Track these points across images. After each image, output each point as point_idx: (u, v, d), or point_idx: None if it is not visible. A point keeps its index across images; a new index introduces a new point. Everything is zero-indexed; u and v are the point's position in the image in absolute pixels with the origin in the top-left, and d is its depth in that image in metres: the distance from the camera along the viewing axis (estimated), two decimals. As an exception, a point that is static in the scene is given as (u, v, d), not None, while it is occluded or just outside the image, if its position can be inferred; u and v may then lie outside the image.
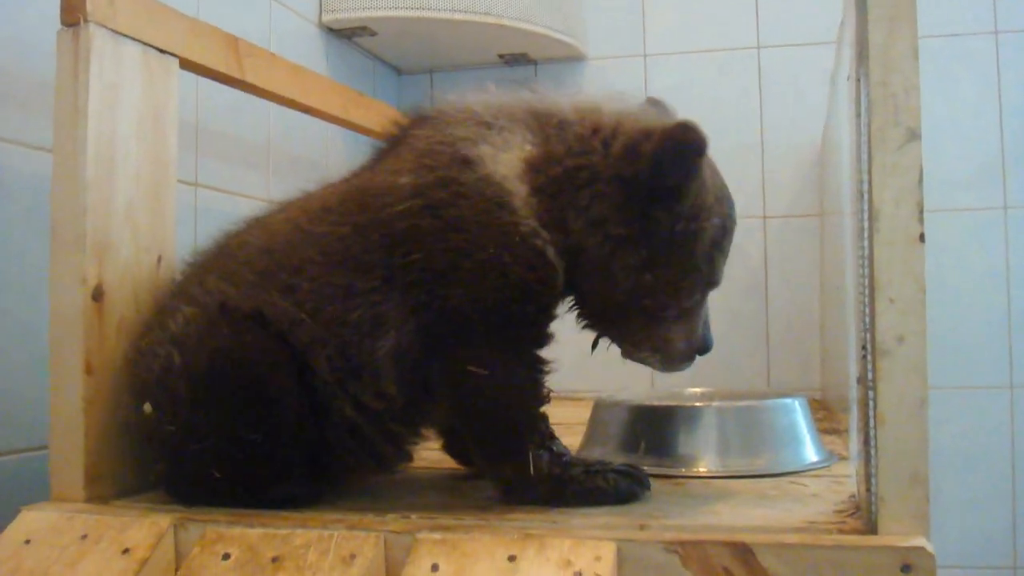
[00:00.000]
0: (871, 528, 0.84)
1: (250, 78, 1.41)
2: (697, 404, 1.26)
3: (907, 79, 0.84)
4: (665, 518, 0.95)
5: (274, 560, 0.88)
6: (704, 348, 1.10)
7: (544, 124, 1.04)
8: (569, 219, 1.01)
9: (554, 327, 1.05)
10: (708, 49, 2.42)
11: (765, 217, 2.37)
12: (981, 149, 2.24)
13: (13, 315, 1.28)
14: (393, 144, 1.11)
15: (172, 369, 1.02)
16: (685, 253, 1.02)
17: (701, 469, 1.20)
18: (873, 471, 0.84)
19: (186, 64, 1.26)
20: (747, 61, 2.40)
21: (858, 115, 0.90)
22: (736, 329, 2.32)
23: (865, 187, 0.86)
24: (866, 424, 0.87)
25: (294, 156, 2.03)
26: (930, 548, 0.79)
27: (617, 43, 2.48)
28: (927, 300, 0.84)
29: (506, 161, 1.01)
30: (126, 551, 0.92)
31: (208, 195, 1.73)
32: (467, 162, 1.01)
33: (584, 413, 1.38)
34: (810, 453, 1.26)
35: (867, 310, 0.86)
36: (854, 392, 0.94)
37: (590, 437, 1.33)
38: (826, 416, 1.81)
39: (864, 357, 0.87)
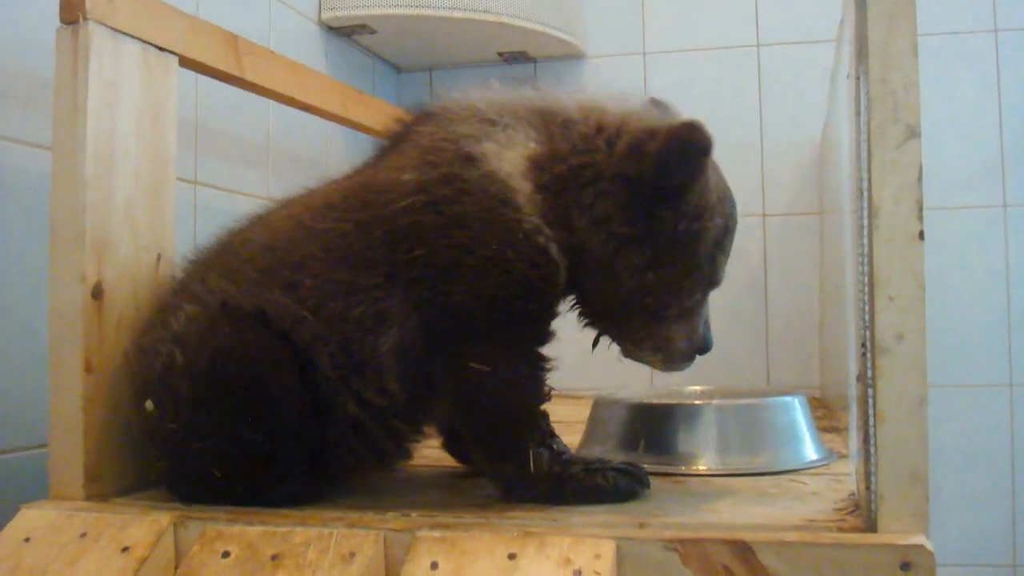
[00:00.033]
0: (871, 526, 0.84)
1: (249, 76, 1.40)
2: (697, 402, 1.26)
3: (906, 76, 0.84)
4: (665, 516, 0.95)
5: (274, 558, 0.88)
6: (704, 348, 1.10)
7: (548, 122, 1.04)
8: (573, 217, 1.01)
9: (554, 325, 1.05)
10: (708, 47, 2.42)
11: (765, 215, 2.37)
12: (981, 147, 2.24)
13: (13, 313, 1.28)
14: (396, 141, 1.11)
15: (174, 367, 1.02)
16: (688, 252, 1.02)
17: (701, 467, 1.20)
18: (873, 469, 0.84)
19: (185, 62, 1.26)
20: (746, 59, 2.40)
21: (858, 113, 0.90)
22: (736, 327, 2.32)
23: (865, 185, 0.86)
24: (866, 422, 0.87)
25: (293, 154, 2.03)
26: (929, 546, 0.79)
27: (616, 41, 2.48)
28: (927, 298, 0.83)
29: (510, 158, 1.01)
30: (125, 549, 0.92)
31: (207, 193, 1.72)
32: (471, 159, 1.01)
33: (584, 411, 1.37)
34: (810, 451, 1.26)
35: (867, 308, 0.86)
36: (854, 390, 0.94)
37: (589, 435, 1.33)
38: (826, 414, 1.81)
39: (864, 355, 0.87)
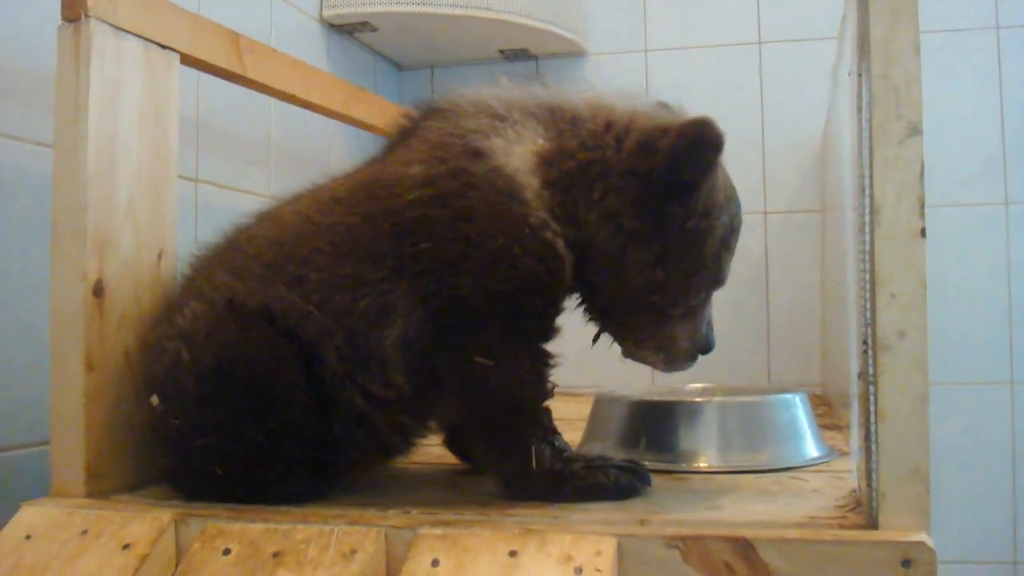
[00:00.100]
0: (872, 523, 0.84)
1: (251, 74, 1.40)
2: (698, 399, 1.26)
3: (908, 73, 0.84)
4: (666, 513, 0.95)
5: (275, 555, 0.88)
6: (707, 348, 1.10)
7: (557, 119, 1.05)
8: (580, 212, 1.01)
9: (558, 322, 1.05)
10: (709, 45, 2.42)
11: (766, 213, 2.37)
12: (982, 145, 2.24)
13: (14, 311, 1.28)
14: (404, 136, 1.11)
15: (180, 364, 1.02)
16: (696, 250, 1.02)
17: (702, 464, 1.20)
18: (874, 466, 0.84)
19: (187, 60, 1.26)
20: (748, 56, 2.40)
21: (859, 109, 0.90)
22: (737, 325, 2.32)
23: (866, 181, 0.86)
24: (867, 419, 0.86)
25: (295, 152, 2.03)
26: (931, 543, 0.79)
27: (618, 39, 2.48)
28: (928, 295, 0.83)
29: (518, 154, 1.02)
30: (126, 546, 0.92)
31: (209, 191, 1.72)
32: (478, 154, 1.01)
33: (584, 409, 1.37)
34: (811, 448, 1.26)
35: (868, 305, 0.86)
36: (855, 387, 0.94)
37: (590, 433, 1.33)
38: (827, 412, 1.81)
39: (865, 352, 0.87)
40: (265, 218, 1.13)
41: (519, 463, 1.01)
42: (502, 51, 2.46)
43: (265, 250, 1.06)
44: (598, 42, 2.48)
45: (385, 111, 1.88)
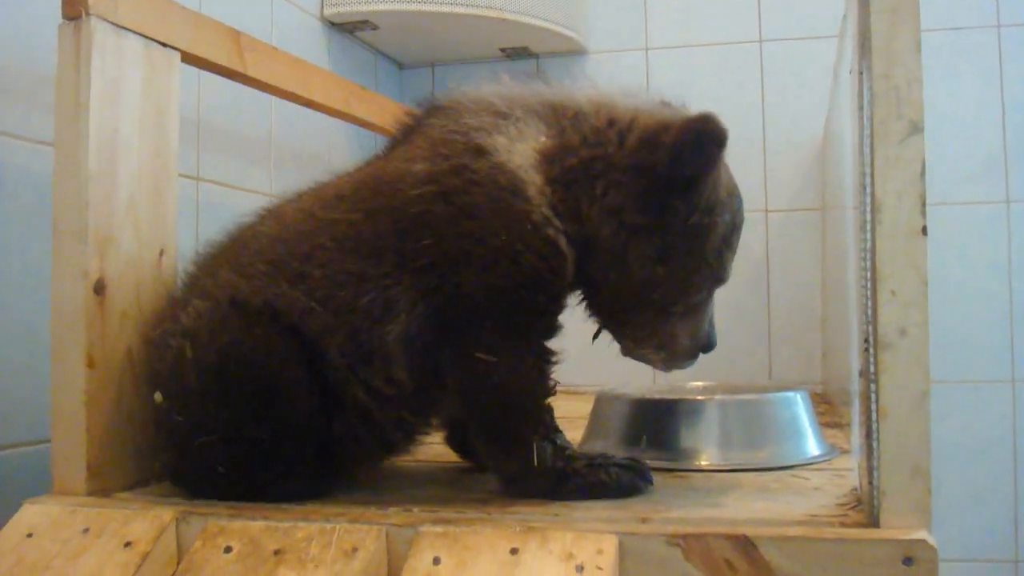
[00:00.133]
0: (873, 521, 0.84)
1: (252, 72, 1.40)
2: (699, 398, 1.26)
3: (910, 72, 0.84)
4: (667, 511, 0.95)
5: (276, 553, 0.88)
6: (708, 346, 1.10)
7: (559, 116, 1.05)
8: (583, 208, 1.01)
9: (560, 320, 1.05)
10: (710, 43, 2.42)
11: (767, 211, 2.37)
12: (983, 143, 2.24)
13: (15, 309, 1.28)
14: (407, 133, 1.12)
15: (184, 361, 1.02)
16: (698, 247, 1.02)
17: (703, 463, 1.20)
18: (875, 464, 0.84)
19: (188, 58, 1.26)
20: (749, 55, 2.40)
21: (860, 108, 0.90)
22: (738, 323, 2.32)
23: (867, 180, 0.86)
24: (868, 417, 0.86)
25: (296, 150, 2.03)
26: (932, 541, 0.79)
27: (618, 37, 2.48)
28: (929, 293, 0.83)
29: (521, 151, 1.02)
30: (128, 544, 0.92)
31: (210, 189, 1.72)
32: (481, 151, 1.01)
33: (586, 407, 1.38)
34: (812, 447, 1.26)
35: (869, 303, 0.86)
36: (856, 385, 0.94)
37: (592, 431, 1.33)
38: (828, 410, 1.81)
39: (866, 350, 0.87)
40: (268, 216, 1.13)
41: (520, 461, 1.01)
42: (503, 49, 2.46)
43: (268, 247, 1.06)
44: (599, 40, 2.48)
45: (386, 110, 1.88)
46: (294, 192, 1.15)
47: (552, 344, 1.04)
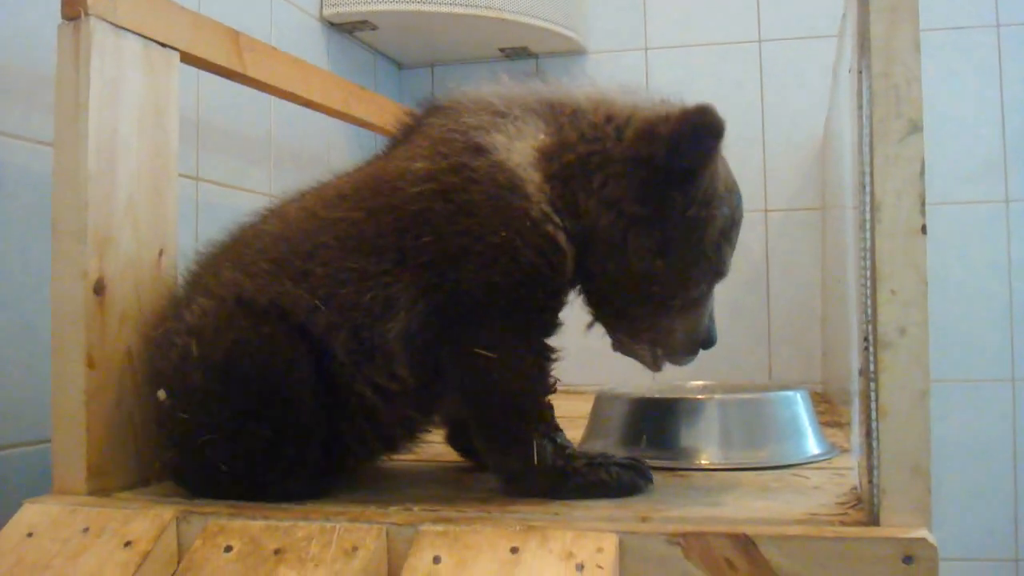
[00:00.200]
0: (873, 520, 0.84)
1: (251, 72, 1.40)
2: (699, 397, 1.26)
3: (909, 70, 0.84)
4: (667, 510, 0.95)
5: (276, 552, 0.88)
6: (708, 342, 1.10)
7: (557, 113, 1.06)
8: (580, 201, 1.02)
9: (560, 317, 1.06)
10: (709, 43, 2.42)
11: (767, 210, 2.37)
12: (983, 142, 2.24)
13: (15, 309, 1.28)
14: (407, 133, 1.13)
15: (189, 359, 1.02)
16: (696, 239, 1.02)
17: (703, 462, 1.20)
18: (875, 463, 0.84)
19: (187, 58, 1.26)
20: (748, 55, 2.40)
21: (860, 107, 0.90)
22: (738, 322, 2.32)
23: (867, 179, 0.86)
24: (868, 416, 0.86)
25: (295, 150, 2.03)
26: (932, 539, 0.79)
27: (618, 37, 2.48)
28: (929, 293, 0.83)
29: (519, 149, 1.02)
30: (128, 544, 0.92)
31: (209, 189, 1.72)
32: (480, 149, 1.02)
33: (586, 406, 1.38)
34: (812, 446, 1.26)
35: (869, 302, 0.86)
36: (856, 384, 0.94)
37: (592, 430, 1.33)
38: (828, 409, 1.81)
39: (866, 349, 0.87)
40: (270, 215, 1.13)
41: (521, 459, 1.01)
42: (502, 49, 2.46)
43: (271, 246, 1.06)
44: (598, 40, 2.49)
45: (385, 110, 1.88)
46: (295, 192, 1.16)
47: (552, 342, 1.05)
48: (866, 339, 0.87)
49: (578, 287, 1.08)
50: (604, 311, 1.09)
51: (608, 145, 1.02)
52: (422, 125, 1.11)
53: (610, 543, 0.83)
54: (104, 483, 1.08)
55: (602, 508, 0.97)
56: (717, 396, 1.26)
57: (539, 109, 1.06)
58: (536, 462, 1.01)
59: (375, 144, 1.21)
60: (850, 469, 1.14)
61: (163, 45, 1.20)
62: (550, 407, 1.04)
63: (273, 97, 1.63)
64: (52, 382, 1.08)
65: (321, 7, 2.17)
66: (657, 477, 1.08)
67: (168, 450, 1.06)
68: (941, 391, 2.02)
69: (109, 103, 1.11)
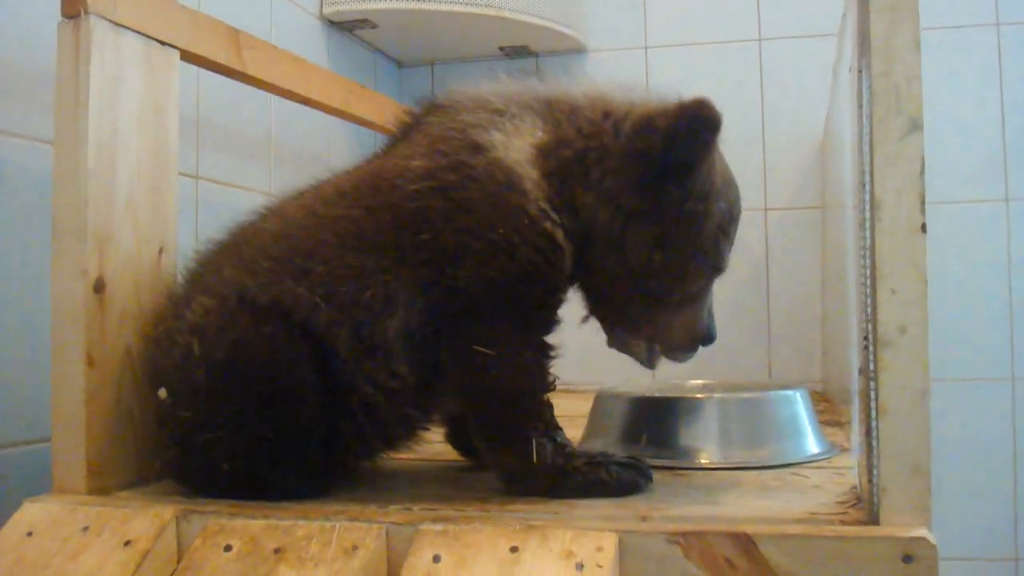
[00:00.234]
0: (873, 519, 0.84)
1: (251, 71, 1.40)
2: (699, 396, 1.26)
3: (909, 69, 0.84)
4: (667, 509, 0.95)
5: (276, 551, 0.88)
6: (708, 339, 1.10)
7: (555, 111, 1.06)
8: (578, 196, 1.02)
9: (559, 315, 1.06)
10: (709, 41, 2.42)
11: (766, 209, 2.37)
12: (983, 141, 2.24)
13: (14, 307, 1.28)
14: (406, 131, 1.13)
15: (191, 357, 1.02)
16: (693, 234, 1.02)
17: (703, 461, 1.20)
18: (875, 462, 0.84)
19: (187, 56, 1.26)
20: (748, 53, 2.39)
21: (860, 106, 0.90)
22: (737, 321, 2.32)
23: (867, 178, 0.86)
24: (868, 415, 0.86)
25: (295, 149, 2.03)
26: (932, 539, 0.79)
27: (618, 35, 2.48)
28: (929, 292, 0.83)
29: (517, 147, 1.03)
30: (128, 543, 0.92)
31: (209, 188, 1.72)
32: (478, 147, 1.02)
33: (585, 405, 1.38)
34: (812, 445, 1.26)
35: (869, 301, 0.86)
36: (856, 383, 0.94)
37: (591, 429, 1.33)
38: (827, 408, 1.81)
39: (866, 348, 0.87)
40: (269, 213, 1.13)
41: (520, 457, 1.01)
42: (502, 48, 2.46)
43: (271, 244, 1.06)
44: (598, 39, 2.48)
45: (385, 108, 1.88)
46: (295, 190, 1.16)
47: (551, 339, 1.05)
48: (866, 338, 0.87)
49: (577, 284, 1.08)
50: (603, 307, 1.10)
51: (606, 140, 1.02)
52: (421, 123, 1.11)
53: (610, 542, 0.83)
54: (104, 482, 1.08)
55: (602, 507, 0.97)
56: (717, 395, 1.26)
57: (537, 107, 1.06)
58: (536, 460, 1.01)
59: (375, 142, 1.21)
60: (850, 468, 1.14)
61: (163, 43, 1.20)
62: (549, 405, 1.04)
63: (273, 95, 1.63)
64: (52, 381, 1.08)
65: (321, 5, 2.17)
66: (657, 476, 1.08)
67: (169, 449, 1.06)
68: (941, 390, 2.02)
69: (109, 101, 1.10)
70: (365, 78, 2.35)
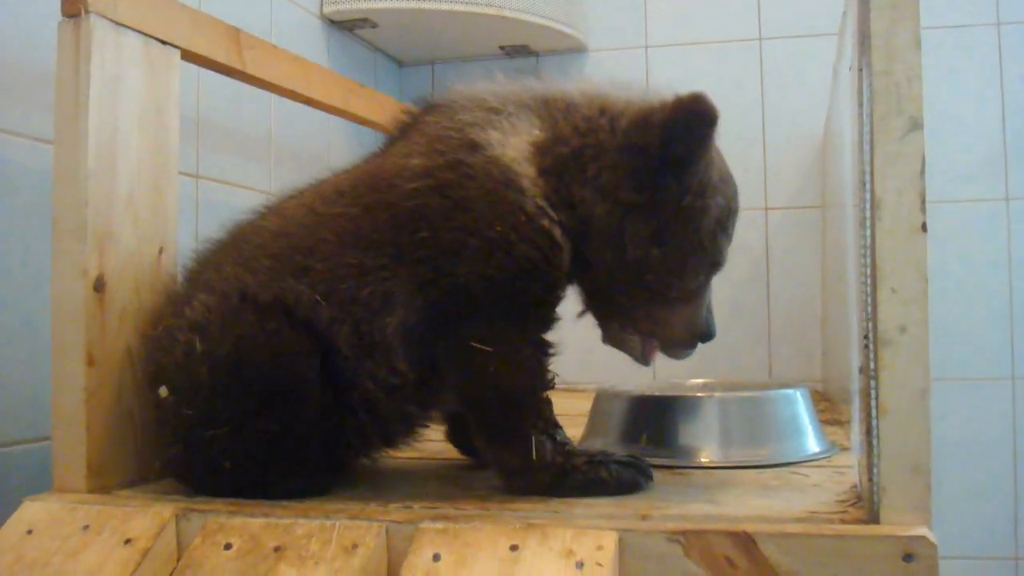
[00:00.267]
0: (873, 518, 0.84)
1: (251, 70, 1.40)
2: (699, 395, 1.26)
3: (909, 68, 0.84)
4: (667, 508, 0.95)
5: (276, 550, 0.88)
6: (707, 335, 1.10)
7: (551, 109, 1.06)
8: (575, 193, 1.02)
9: (557, 312, 1.06)
10: (709, 41, 2.42)
11: (767, 208, 2.37)
12: (983, 141, 2.24)
13: (15, 306, 1.28)
14: (404, 131, 1.14)
15: (193, 355, 1.02)
16: (691, 229, 1.03)
17: (703, 460, 1.20)
18: (875, 461, 0.84)
19: (187, 55, 1.26)
20: (749, 53, 2.39)
21: (860, 105, 0.90)
22: (738, 320, 2.32)
23: (867, 177, 0.86)
24: (868, 414, 0.86)
25: (295, 148, 2.03)
26: (932, 538, 0.79)
27: (618, 34, 2.48)
28: (929, 291, 0.83)
29: (514, 145, 1.03)
30: (128, 541, 0.92)
31: (209, 187, 1.72)
32: (475, 146, 1.03)
33: (586, 405, 1.38)
34: (812, 444, 1.26)
35: (869, 300, 0.86)
36: (856, 382, 0.94)
37: (592, 428, 1.33)
38: (828, 407, 1.81)
39: (866, 347, 0.87)
40: (268, 212, 1.14)
41: (519, 455, 1.01)
42: (503, 47, 2.46)
43: (271, 242, 1.07)
44: (599, 38, 2.48)
45: (385, 107, 1.88)
46: (294, 189, 1.16)
47: (550, 337, 1.05)
48: (866, 337, 0.87)
49: (576, 280, 1.09)
50: (601, 303, 1.10)
51: (602, 137, 1.03)
52: (419, 123, 1.12)
53: (610, 541, 0.83)
54: (104, 481, 1.08)
55: (602, 506, 0.97)
56: (717, 394, 1.26)
57: (533, 105, 1.07)
58: (535, 458, 1.01)
59: (375, 142, 1.21)
60: (850, 467, 1.14)
61: (163, 43, 1.20)
62: (548, 403, 1.04)
63: (273, 95, 1.63)
64: (52, 380, 1.08)
65: (321, 5, 2.17)
66: (657, 475, 1.08)
67: (170, 447, 1.06)
68: (941, 389, 2.02)
69: (109, 101, 1.11)
70: (365, 77, 2.35)
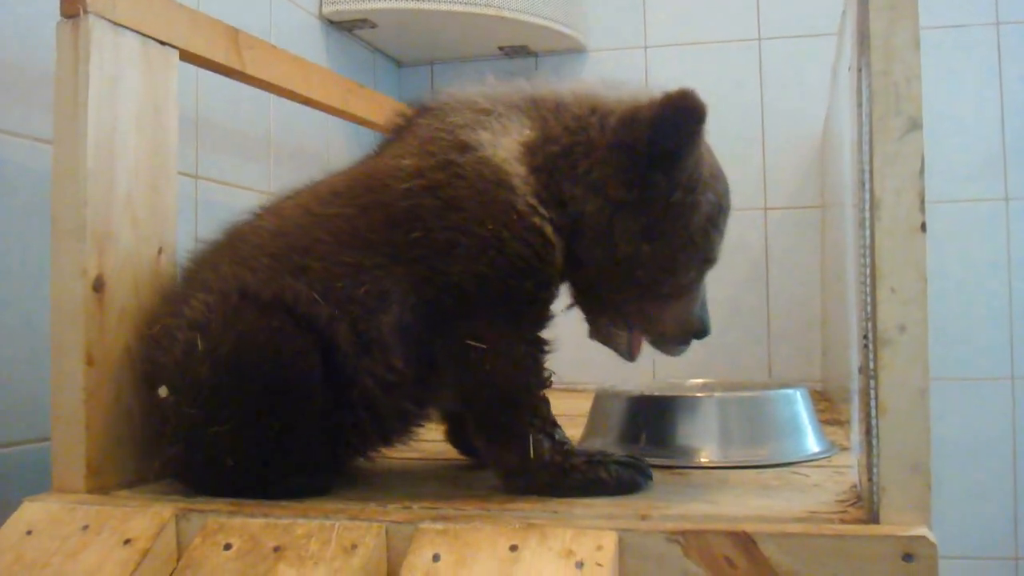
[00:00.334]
0: (873, 518, 0.84)
1: (250, 70, 1.40)
2: (698, 395, 1.26)
3: (908, 68, 0.84)
4: (667, 508, 0.95)
5: (275, 550, 0.88)
6: (701, 332, 1.11)
7: (542, 109, 1.08)
8: (566, 190, 1.03)
9: (554, 318, 1.06)
10: (709, 41, 2.42)
11: (766, 208, 2.36)
12: (983, 140, 2.24)
13: (14, 306, 1.28)
14: (398, 133, 1.15)
15: (193, 353, 1.02)
16: (681, 225, 1.03)
17: (703, 460, 1.20)
18: (874, 461, 0.84)
19: (186, 56, 1.26)
20: (748, 53, 2.39)
21: (859, 105, 0.90)
22: (737, 320, 2.32)
23: (866, 177, 0.86)
24: (867, 414, 0.86)
25: (295, 148, 2.03)
26: (932, 537, 0.79)
27: (618, 35, 2.48)
28: (928, 291, 0.83)
29: (504, 145, 1.04)
30: (127, 542, 0.92)
31: (208, 187, 1.72)
32: (466, 146, 1.04)
33: (585, 404, 1.38)
34: (812, 443, 1.26)
35: (868, 300, 0.86)
36: (855, 382, 0.94)
37: (591, 428, 1.33)
38: (827, 407, 1.81)
39: (865, 347, 0.87)
40: (265, 212, 1.15)
41: (517, 454, 1.02)
42: (502, 48, 2.46)
43: (269, 241, 1.08)
44: (598, 38, 2.48)
45: (384, 107, 1.88)
46: (291, 189, 1.17)
47: (546, 335, 1.06)
48: (866, 337, 0.87)
49: (567, 277, 1.09)
50: (592, 300, 1.10)
51: (592, 135, 1.04)
52: (412, 125, 1.13)
53: (610, 541, 0.83)
54: (103, 481, 1.08)
55: (601, 506, 0.97)
56: (717, 394, 1.26)
57: (523, 106, 1.08)
58: (533, 457, 1.01)
59: (374, 142, 1.21)
60: (850, 467, 1.14)
61: (162, 43, 1.20)
62: (545, 401, 1.05)
63: (272, 95, 1.63)
64: (51, 380, 1.08)
65: (320, 5, 2.17)
66: (656, 475, 1.08)
67: (170, 447, 1.06)
68: (941, 389, 2.02)
69: (108, 101, 1.11)
70: (364, 78, 2.35)
